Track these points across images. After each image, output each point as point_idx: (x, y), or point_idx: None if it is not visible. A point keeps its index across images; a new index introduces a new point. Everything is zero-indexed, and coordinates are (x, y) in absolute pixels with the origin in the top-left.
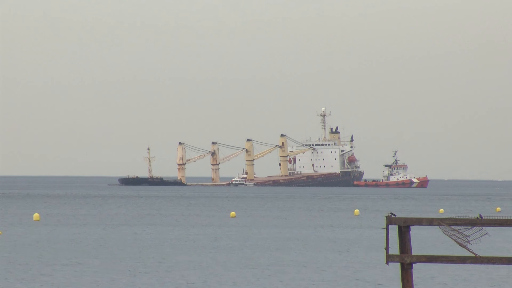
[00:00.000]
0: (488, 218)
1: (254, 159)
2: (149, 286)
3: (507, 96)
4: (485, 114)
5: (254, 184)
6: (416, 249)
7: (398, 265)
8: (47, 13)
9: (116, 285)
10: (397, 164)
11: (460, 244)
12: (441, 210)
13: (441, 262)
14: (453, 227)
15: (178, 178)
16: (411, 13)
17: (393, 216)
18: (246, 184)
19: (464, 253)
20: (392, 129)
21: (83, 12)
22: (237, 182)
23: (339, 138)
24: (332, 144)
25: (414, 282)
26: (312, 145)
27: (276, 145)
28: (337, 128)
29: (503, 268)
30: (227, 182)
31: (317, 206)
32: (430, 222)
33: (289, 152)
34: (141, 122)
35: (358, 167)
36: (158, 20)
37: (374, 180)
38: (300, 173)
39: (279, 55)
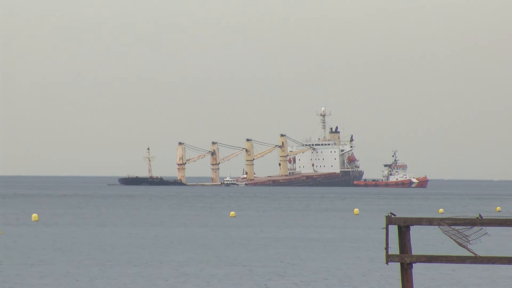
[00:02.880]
0: (488, 218)
1: (254, 159)
2: (146, 285)
3: (507, 96)
4: (484, 114)
5: (245, 184)
6: (416, 249)
7: (398, 265)
8: (46, 12)
9: (109, 284)
10: (397, 164)
11: (460, 244)
12: (441, 210)
13: (441, 262)
14: (453, 227)
15: (178, 178)
16: (412, 13)
17: (393, 216)
18: (237, 184)
19: (464, 253)
20: (392, 129)
21: (83, 11)
22: (228, 182)
23: (339, 138)
24: (332, 144)
25: (414, 282)
26: (312, 145)
27: (276, 145)
28: (337, 128)
29: (503, 268)
30: (219, 183)
31: (317, 205)
32: (430, 222)
33: (289, 152)
34: (141, 122)
35: (358, 167)
36: (158, 20)
37: (373, 180)
38: (300, 173)
39: (279, 55)
